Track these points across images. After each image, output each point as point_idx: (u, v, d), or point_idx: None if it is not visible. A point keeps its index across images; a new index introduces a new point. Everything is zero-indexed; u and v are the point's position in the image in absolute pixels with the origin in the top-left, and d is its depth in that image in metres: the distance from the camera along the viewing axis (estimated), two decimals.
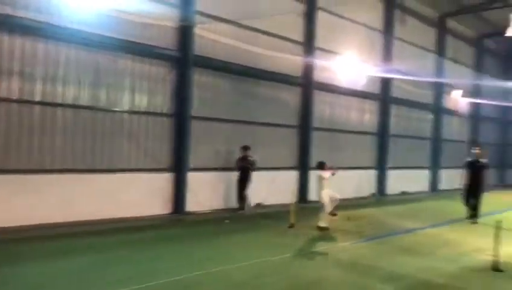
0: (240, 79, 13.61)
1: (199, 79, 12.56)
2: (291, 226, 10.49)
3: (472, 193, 12.73)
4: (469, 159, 13.01)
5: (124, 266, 6.88)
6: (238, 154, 12.81)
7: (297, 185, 15.32)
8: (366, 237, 9.85)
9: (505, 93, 26.42)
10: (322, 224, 10.29)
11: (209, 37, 12.69)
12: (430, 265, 7.70)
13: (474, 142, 19.85)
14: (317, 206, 11.64)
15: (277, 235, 9.65)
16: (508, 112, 27.78)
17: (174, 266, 6.99)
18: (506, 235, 7.91)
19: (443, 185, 22.23)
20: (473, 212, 12.71)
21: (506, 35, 18.40)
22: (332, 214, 10.55)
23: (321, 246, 8.77)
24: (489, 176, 12.92)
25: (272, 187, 14.32)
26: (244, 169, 12.70)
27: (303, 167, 15.47)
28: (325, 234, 10.03)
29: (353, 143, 17.83)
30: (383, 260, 7.92)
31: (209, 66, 12.77)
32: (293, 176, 15.28)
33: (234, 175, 12.86)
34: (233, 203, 13.01)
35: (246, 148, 12.81)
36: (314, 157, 15.92)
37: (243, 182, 12.73)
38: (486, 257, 7.99)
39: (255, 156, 13.03)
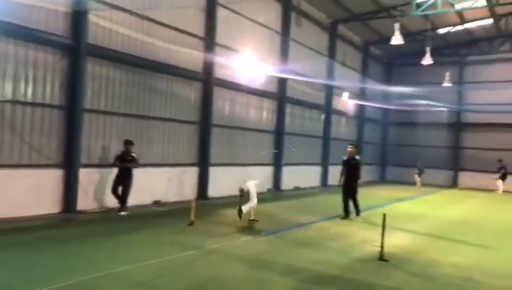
0: (138, 71, 13.07)
1: (93, 69, 11.81)
2: (191, 223, 10.35)
3: (348, 190, 12.89)
4: (344, 157, 13.20)
5: (3, 273, 6.17)
6: (133, 149, 12.26)
7: (197, 182, 15.20)
8: (264, 232, 10.09)
9: (386, 97, 29.10)
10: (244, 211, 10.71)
11: (105, 26, 11.99)
12: (324, 257, 8.13)
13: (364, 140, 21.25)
14: (218, 203, 11.67)
15: (176, 233, 9.45)
16: (388, 114, 30.61)
17: (67, 269, 6.46)
18: (390, 227, 8.64)
19: (332, 180, 23.73)
20: (348, 210, 12.86)
21: (390, 43, 20.15)
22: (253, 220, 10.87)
23: (221, 243, 8.77)
24: (362, 172, 13.33)
25: (171, 184, 14.03)
26: (124, 166, 11.61)
27: (203, 163, 15.39)
28: (224, 230, 10.07)
29: (252, 140, 18.20)
30: (281, 254, 8.17)
31: (104, 56, 12.06)
32: (193, 172, 15.12)
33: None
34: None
35: (128, 142, 11.78)
36: (214, 154, 15.98)
37: (120, 180, 11.64)
38: (373, 248, 8.66)
39: (159, 151, 12.60)
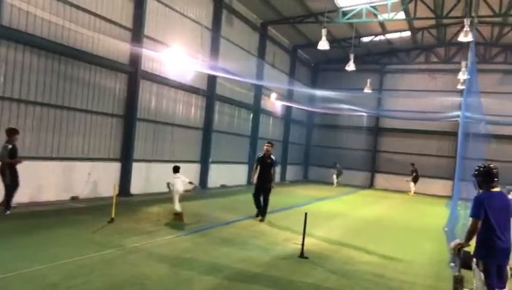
0: (58, 59, 12.30)
1: (7, 54, 10.92)
2: (111, 221, 9.95)
3: (261, 190, 12.30)
4: (260, 154, 12.68)
5: None
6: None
7: (120, 178, 14.64)
8: (188, 231, 9.97)
9: (312, 100, 30.07)
10: (177, 209, 10.87)
11: (23, 8, 11.14)
12: (247, 255, 8.20)
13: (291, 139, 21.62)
14: (141, 200, 11.29)
15: (95, 231, 9.02)
16: (312, 117, 31.66)
17: None
18: (310, 225, 8.91)
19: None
20: (260, 210, 12.37)
21: (317, 48, 20.82)
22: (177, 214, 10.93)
23: (142, 241, 8.52)
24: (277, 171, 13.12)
25: (91, 179, 13.38)
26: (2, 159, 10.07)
27: (127, 158, 14.85)
28: (147, 228, 9.80)
29: (179, 136, 17.90)
30: (205, 253, 8.11)
31: (21, 41, 11.20)
32: (115, 168, 14.54)
33: (44, 165, 11.55)
34: (39, 195, 11.71)
35: (11, 131, 10.25)
36: (139, 149, 15.50)
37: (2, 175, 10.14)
38: (294, 246, 8.91)
39: (79, 144, 11.91)
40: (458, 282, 5.63)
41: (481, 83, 16.02)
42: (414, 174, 26.89)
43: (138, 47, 14.74)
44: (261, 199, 12.40)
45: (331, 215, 14.86)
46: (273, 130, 27.18)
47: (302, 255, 8.33)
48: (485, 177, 5.49)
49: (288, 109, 28.32)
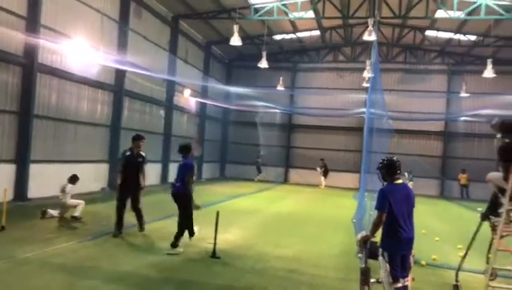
0: None
1: None
2: (2, 229, 8.90)
3: (126, 196, 9.81)
4: (127, 152, 9.94)
5: None
6: None
7: (14, 181, 13.26)
8: (91, 235, 9.23)
9: (226, 96, 29.93)
10: (76, 214, 10.42)
11: None
12: (155, 259, 7.76)
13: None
14: (40, 204, 10.26)
15: None
16: (228, 113, 31.53)
17: None
18: (224, 223, 8.69)
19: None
20: (122, 223, 9.71)
21: (230, 44, 20.68)
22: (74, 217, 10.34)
23: (37, 250, 7.69)
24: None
25: None
26: None
27: (22, 159, 13.49)
28: (44, 235, 8.90)
29: (83, 135, 16.71)
30: (109, 259, 7.53)
31: None
32: (8, 169, 13.13)
33: None
34: None
35: None
36: (37, 149, 14.19)
37: None
38: (207, 246, 8.62)
39: None
40: (365, 274, 5.72)
41: (384, 81, 17.02)
42: (323, 168, 27.94)
43: (34, 37, 13.42)
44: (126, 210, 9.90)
45: (246, 212, 14.79)
46: (188, 127, 26.61)
47: (214, 255, 8.06)
48: (388, 169, 5.66)
49: (202, 106, 27.89)
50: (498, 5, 19.15)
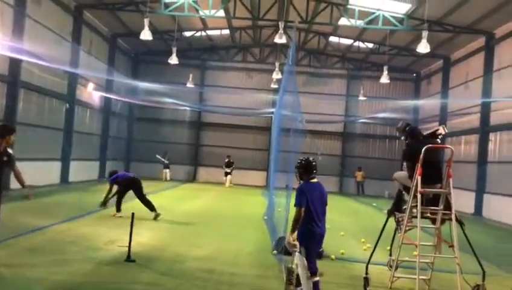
0: None
1: None
2: None
3: None
4: None
5: None
6: None
7: None
8: None
9: (133, 92, 28.78)
10: None
11: None
12: (64, 265, 7.22)
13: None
14: None
15: None
16: (135, 109, 30.39)
17: None
18: (135, 225, 8.30)
19: (75, 176, 21.96)
20: None
21: (138, 38, 19.95)
22: None
23: None
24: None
25: None
26: None
27: None
28: None
29: None
30: (9, 268, 6.83)
31: None
32: None
33: None
34: None
35: None
36: None
37: None
38: (119, 249, 8.23)
39: None
40: (291, 273, 5.90)
41: (291, 83, 17.66)
42: (230, 167, 27.88)
43: None
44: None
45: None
46: (91, 122, 25.17)
47: (128, 258, 7.72)
48: (306, 169, 6.00)
49: (107, 101, 26.53)
50: (393, 17, 20.89)
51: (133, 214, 8.03)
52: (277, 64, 26.32)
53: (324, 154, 29.25)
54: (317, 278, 5.86)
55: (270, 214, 13.68)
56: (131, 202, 15.91)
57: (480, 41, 22.17)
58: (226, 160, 28.02)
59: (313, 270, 5.80)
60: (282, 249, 8.54)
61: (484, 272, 7.04)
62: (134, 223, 7.90)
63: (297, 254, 5.86)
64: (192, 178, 30.93)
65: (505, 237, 14.94)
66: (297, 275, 5.86)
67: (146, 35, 19.41)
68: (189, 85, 28.00)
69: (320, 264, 8.44)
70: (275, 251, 8.95)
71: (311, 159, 6.07)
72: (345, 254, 9.45)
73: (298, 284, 5.82)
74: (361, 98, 28.91)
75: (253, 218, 14.44)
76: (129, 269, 7.29)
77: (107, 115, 26.90)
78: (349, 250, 9.85)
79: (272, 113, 23.92)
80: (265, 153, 28.42)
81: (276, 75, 26.23)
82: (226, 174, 27.78)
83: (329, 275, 7.87)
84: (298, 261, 5.79)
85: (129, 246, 7.83)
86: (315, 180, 6.04)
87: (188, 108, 30.05)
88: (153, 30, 22.36)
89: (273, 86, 27.62)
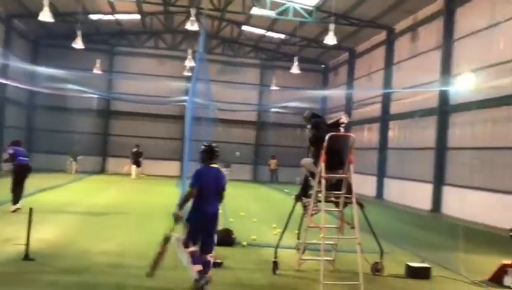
0: None
1: None
2: None
3: None
4: None
5: None
6: None
7: None
8: None
9: (32, 78, 26.55)
10: None
11: None
12: None
13: None
14: None
15: None
16: (35, 97, 28.10)
17: None
18: (34, 220, 7.69)
19: None
20: None
21: (38, 19, 18.42)
22: None
23: None
24: None
25: None
26: None
27: None
28: None
29: None
30: None
31: None
32: None
33: None
34: None
35: None
36: None
37: None
38: (16, 247, 7.58)
39: None
40: (167, 240, 6.23)
41: (204, 71, 17.46)
42: (138, 157, 26.51)
43: None
44: None
45: (61, 206, 13.48)
46: None
47: (27, 257, 7.15)
48: (208, 154, 6.35)
49: (2, 87, 24.22)
50: (303, 9, 21.53)
51: (31, 209, 7.42)
52: (190, 51, 25.91)
53: (240, 143, 29.69)
54: (193, 249, 6.05)
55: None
56: (37, 195, 14.82)
57: (382, 35, 23.70)
58: (134, 149, 26.50)
59: (188, 243, 6.08)
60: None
61: (382, 251, 7.61)
62: (37, 218, 7.34)
63: (183, 225, 6.17)
64: (101, 169, 29.54)
65: (401, 218, 16.24)
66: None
67: (46, 16, 17.97)
68: (97, 71, 26.53)
69: (232, 251, 8.66)
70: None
71: (213, 145, 6.40)
72: (256, 240, 9.63)
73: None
74: (273, 87, 29.52)
75: (167, 208, 14.04)
76: (27, 269, 6.76)
77: (3, 103, 24.60)
78: (261, 236, 10.06)
79: (185, 101, 23.52)
80: (179, 142, 27.93)
81: (189, 63, 25.82)
82: (136, 164, 26.33)
83: (240, 261, 8.01)
84: (179, 237, 6.22)
85: (27, 244, 7.24)
86: (215, 165, 6.37)
87: (95, 95, 28.47)
88: (54, 11, 20.77)
89: (186, 73, 27.17)
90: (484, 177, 15.42)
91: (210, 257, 6.23)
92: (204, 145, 6.40)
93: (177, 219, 6.09)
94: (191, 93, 13.99)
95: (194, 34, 25.78)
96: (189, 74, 25.79)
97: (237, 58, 31.24)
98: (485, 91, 15.51)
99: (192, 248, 6.06)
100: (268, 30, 27.51)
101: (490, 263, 8.02)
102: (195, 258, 6.04)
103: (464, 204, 13.53)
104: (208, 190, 6.13)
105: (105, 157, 30.09)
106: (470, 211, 14.61)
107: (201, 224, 6.12)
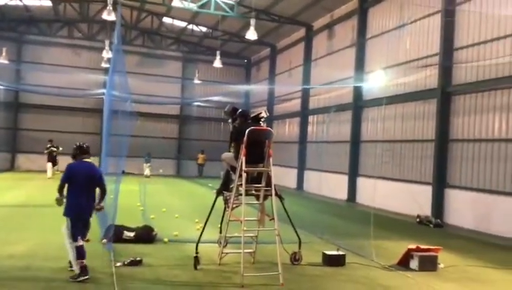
0: None
1: None
2: None
3: None
4: None
5: None
6: None
7: None
8: None
9: None
10: None
11: None
12: None
13: None
14: None
15: None
16: None
17: None
18: None
19: None
20: None
21: None
22: None
23: None
24: None
25: None
26: None
27: None
28: None
29: None
30: None
31: None
32: None
33: None
34: None
35: None
36: None
37: None
38: None
39: None
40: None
41: (121, 62, 16.80)
42: (52, 154, 24.78)
43: None
44: None
45: None
46: None
47: None
48: (78, 150, 6.94)
49: None
50: (224, 3, 21.50)
51: None
52: (107, 42, 24.78)
53: (163, 137, 29.10)
54: (80, 243, 6.49)
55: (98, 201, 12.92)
56: None
57: (302, 32, 24.40)
58: (48, 145, 24.67)
59: (76, 236, 6.50)
60: (111, 237, 8.20)
61: (300, 240, 7.89)
62: None
63: (65, 223, 6.66)
64: (10, 166, 27.40)
65: (320, 208, 16.92)
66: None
67: None
68: (2, 61, 24.46)
69: (152, 248, 8.51)
70: (104, 240, 8.51)
71: (83, 143, 7.03)
72: (178, 236, 9.53)
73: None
74: (196, 81, 29.23)
75: None
76: None
77: None
78: (183, 231, 9.95)
79: (103, 94, 22.49)
80: (97, 137, 26.68)
81: (107, 54, 24.70)
82: (52, 162, 24.44)
83: (161, 258, 7.89)
84: (64, 230, 6.67)
85: None
86: (88, 160, 6.94)
87: (1, 87, 26.26)
88: None
89: (104, 65, 25.96)
90: (394, 168, 16.56)
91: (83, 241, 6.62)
92: (76, 144, 7.01)
93: (57, 201, 6.68)
94: (108, 86, 13.42)
95: (112, 24, 24.75)
96: (107, 66, 24.70)
97: (158, 50, 30.47)
98: (393, 88, 16.65)
99: (80, 243, 6.46)
100: (190, 23, 27.15)
101: (399, 248, 8.65)
102: (80, 253, 6.41)
103: (376, 193, 14.41)
104: (80, 183, 6.61)
105: (14, 153, 27.94)
106: (381, 200, 15.59)
107: (78, 215, 6.61)
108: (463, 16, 13.89)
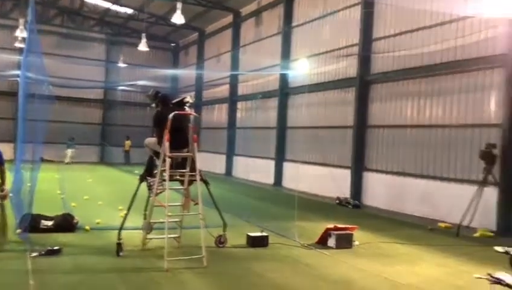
0: None
1: None
2: None
3: None
4: None
5: None
6: None
7: None
8: None
9: None
10: None
11: None
12: None
13: None
14: None
15: None
16: None
17: None
18: None
19: None
20: None
21: None
22: None
23: None
24: None
25: None
26: None
27: None
28: None
29: None
30: None
31: None
32: None
33: None
34: None
35: None
36: None
37: None
38: None
39: None
40: None
41: (37, 43, 15.76)
42: None
43: None
44: None
45: None
46: None
47: None
48: None
49: None
50: None
51: None
52: (21, 20, 23.05)
53: (85, 123, 27.87)
54: None
55: (16, 190, 12.19)
56: None
57: (229, 18, 24.36)
58: None
59: None
60: (27, 227, 7.82)
61: (225, 224, 8.05)
62: None
63: None
64: None
65: (247, 192, 17.24)
66: None
67: None
68: None
69: (73, 237, 8.27)
70: (18, 230, 8.09)
71: None
72: (100, 223, 9.30)
73: None
74: (121, 64, 28.20)
75: None
76: None
77: None
78: (106, 219, 9.72)
79: (18, 76, 20.97)
80: (11, 121, 24.91)
81: (21, 33, 23.00)
82: None
83: (82, 246, 7.69)
84: None
85: None
86: None
87: None
88: None
89: (18, 45, 24.16)
90: (317, 153, 17.26)
91: None
92: None
93: None
94: (23, 68, 12.56)
95: (26, 1, 23.06)
96: (22, 46, 23.02)
97: (80, 31, 28.91)
98: (316, 76, 17.27)
99: None
100: (114, 3, 26.01)
101: (319, 228, 9.10)
102: None
103: (300, 178, 14.95)
104: None
105: None
106: (305, 184, 16.21)
107: None
108: (381, 8, 14.67)
